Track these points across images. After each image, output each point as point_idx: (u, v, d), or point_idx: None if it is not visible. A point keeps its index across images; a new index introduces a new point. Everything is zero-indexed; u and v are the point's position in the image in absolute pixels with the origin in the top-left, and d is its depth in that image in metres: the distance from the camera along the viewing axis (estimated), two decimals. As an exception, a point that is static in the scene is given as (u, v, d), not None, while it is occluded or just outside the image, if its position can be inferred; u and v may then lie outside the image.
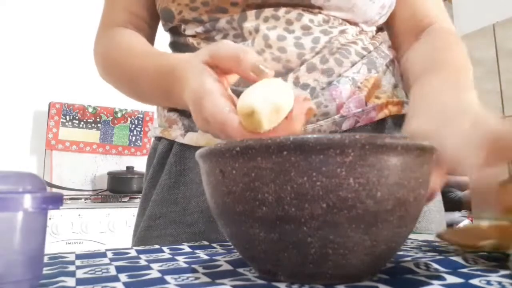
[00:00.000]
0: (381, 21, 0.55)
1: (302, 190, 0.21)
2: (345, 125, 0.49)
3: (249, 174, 0.23)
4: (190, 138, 0.51)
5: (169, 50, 0.60)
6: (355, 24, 0.52)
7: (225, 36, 0.51)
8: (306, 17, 0.49)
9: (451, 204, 3.28)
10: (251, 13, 0.49)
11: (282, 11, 0.49)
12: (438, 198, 0.57)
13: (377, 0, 0.51)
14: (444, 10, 0.61)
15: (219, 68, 0.36)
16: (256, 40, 0.48)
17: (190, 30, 0.53)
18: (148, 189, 0.56)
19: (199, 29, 0.52)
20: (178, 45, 0.57)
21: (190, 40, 0.53)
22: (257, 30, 0.48)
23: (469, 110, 0.36)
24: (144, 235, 0.53)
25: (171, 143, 0.55)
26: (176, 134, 0.53)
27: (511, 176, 0.29)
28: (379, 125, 0.52)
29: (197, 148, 0.50)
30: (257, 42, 0.48)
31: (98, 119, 2.44)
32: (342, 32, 0.50)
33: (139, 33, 0.57)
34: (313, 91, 0.48)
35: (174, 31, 0.57)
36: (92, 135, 2.47)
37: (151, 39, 0.62)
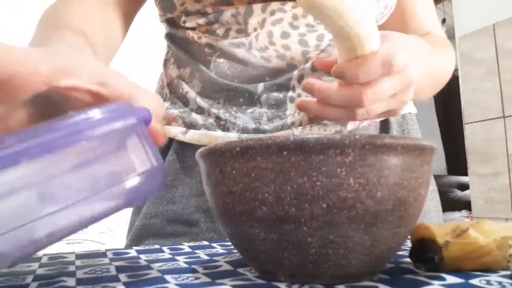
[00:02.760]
0: (381, 21, 0.55)
1: (302, 190, 0.21)
2: (350, 126, 0.49)
3: (249, 174, 0.23)
4: (192, 137, 0.51)
5: (163, 42, 0.59)
6: None
7: (227, 31, 0.50)
8: None
9: (451, 204, 3.28)
10: (257, 7, 0.49)
11: (289, 5, 0.49)
12: (437, 198, 0.58)
13: (382, 0, 0.51)
14: (437, 20, 0.62)
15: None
16: (260, 36, 0.48)
17: (190, 22, 0.52)
18: None
19: (201, 20, 0.51)
20: (175, 38, 0.55)
21: (190, 33, 0.52)
22: (262, 26, 0.48)
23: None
24: (140, 234, 0.52)
25: (170, 139, 0.54)
26: (176, 132, 0.52)
27: None
28: (383, 125, 0.53)
29: (198, 146, 0.50)
30: (261, 39, 0.48)
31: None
32: None
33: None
34: None
35: (171, 23, 0.55)
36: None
37: (126, 18, 0.57)
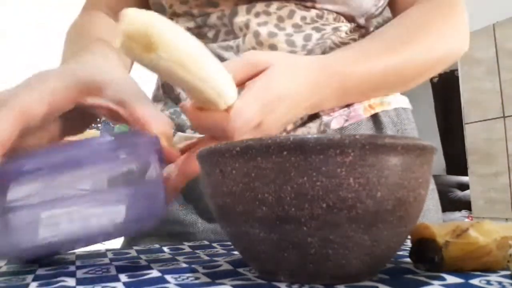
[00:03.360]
0: (377, 13, 0.53)
1: (302, 190, 0.21)
2: (334, 124, 0.48)
3: (249, 174, 0.23)
4: (178, 140, 0.49)
5: None
6: (351, 18, 0.51)
7: (217, 33, 0.50)
8: (298, 14, 0.48)
9: (451, 204, 3.28)
10: (242, 8, 0.48)
11: (274, 6, 0.48)
12: (436, 197, 0.57)
13: None
14: None
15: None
16: (247, 37, 0.48)
17: (181, 24, 0.52)
18: None
19: (191, 24, 0.51)
20: None
21: None
22: (247, 26, 0.48)
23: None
24: (136, 234, 0.52)
25: None
26: None
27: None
28: (376, 124, 0.52)
29: None
30: (248, 40, 0.48)
31: (98, 119, 2.44)
32: (336, 29, 0.49)
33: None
34: None
35: None
36: (92, 135, 2.46)
37: None
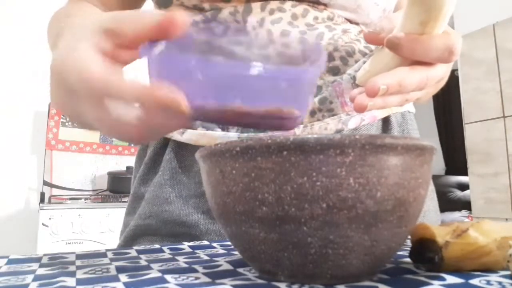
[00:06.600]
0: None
1: (302, 190, 0.21)
2: (351, 124, 0.49)
3: (249, 174, 0.23)
4: (189, 137, 0.49)
5: None
6: (356, 24, 0.53)
7: (226, 29, 0.50)
8: (312, 14, 0.49)
9: (451, 204, 3.28)
10: (256, 5, 0.48)
11: (288, 4, 0.49)
12: (435, 198, 0.57)
13: (381, 4, 0.51)
14: None
15: (117, 36, 0.29)
16: (260, 35, 0.48)
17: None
18: (138, 187, 0.54)
19: (198, 17, 0.50)
20: None
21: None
22: (261, 25, 0.48)
23: None
24: (134, 234, 0.52)
25: (167, 138, 0.53)
26: (173, 132, 0.51)
27: None
28: (384, 125, 0.52)
29: (196, 146, 0.49)
30: (260, 37, 0.48)
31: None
32: (345, 31, 0.50)
33: None
34: (319, 89, 0.48)
35: None
36: (92, 135, 2.47)
37: None
